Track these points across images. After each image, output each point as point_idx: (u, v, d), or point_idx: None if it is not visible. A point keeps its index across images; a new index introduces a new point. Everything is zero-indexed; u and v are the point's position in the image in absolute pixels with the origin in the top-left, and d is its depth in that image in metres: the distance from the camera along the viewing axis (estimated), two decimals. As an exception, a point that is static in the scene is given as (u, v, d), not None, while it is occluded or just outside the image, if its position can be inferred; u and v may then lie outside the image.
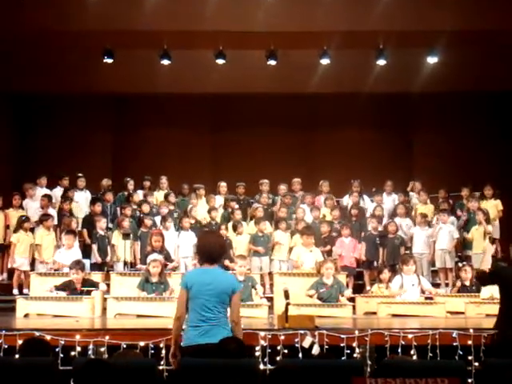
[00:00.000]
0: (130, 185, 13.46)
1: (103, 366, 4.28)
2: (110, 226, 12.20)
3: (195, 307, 5.58)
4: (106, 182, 13.55)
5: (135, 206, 12.49)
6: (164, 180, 13.53)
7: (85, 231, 11.77)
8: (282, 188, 13.45)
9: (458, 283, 10.10)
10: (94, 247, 11.26)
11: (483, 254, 10.94)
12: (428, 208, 12.72)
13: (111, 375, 4.19)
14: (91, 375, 4.14)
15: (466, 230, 12.06)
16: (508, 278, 6.13)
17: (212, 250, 5.75)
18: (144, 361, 5.93)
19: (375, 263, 11.68)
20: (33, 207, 12.26)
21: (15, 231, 11.27)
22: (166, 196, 12.96)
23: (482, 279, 7.12)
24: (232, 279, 5.94)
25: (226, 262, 10.50)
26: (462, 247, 12.11)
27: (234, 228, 11.90)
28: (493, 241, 11.52)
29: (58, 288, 9.08)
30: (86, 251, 11.29)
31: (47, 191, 12.76)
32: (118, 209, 12.71)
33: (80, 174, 13.32)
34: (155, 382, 5.06)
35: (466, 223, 12.23)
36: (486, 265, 8.38)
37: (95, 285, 9.32)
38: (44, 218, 11.40)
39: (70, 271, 9.29)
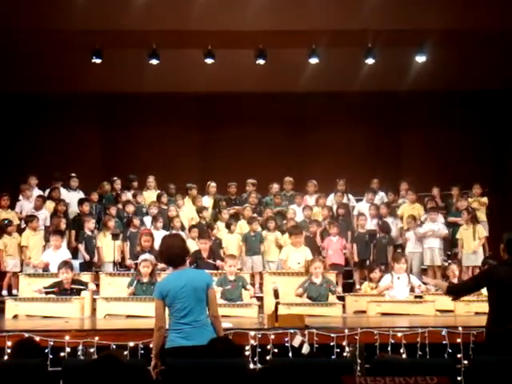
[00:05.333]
0: (117, 184, 13.31)
1: (116, 362, 4.24)
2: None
3: (174, 312, 5.55)
4: (106, 185, 13.31)
5: (121, 207, 12.42)
6: (151, 179, 13.34)
7: (73, 233, 11.67)
8: (275, 187, 13.46)
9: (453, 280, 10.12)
10: (81, 247, 11.20)
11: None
12: (415, 208, 12.58)
13: (125, 372, 4.15)
14: (105, 371, 4.10)
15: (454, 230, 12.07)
16: (499, 276, 6.11)
17: (172, 253, 5.70)
18: (134, 361, 5.94)
19: (367, 262, 11.67)
20: (28, 208, 12.05)
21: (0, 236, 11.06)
22: (159, 196, 12.78)
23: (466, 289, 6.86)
24: (204, 275, 5.91)
25: (218, 262, 10.45)
26: (451, 245, 12.13)
27: (228, 226, 11.91)
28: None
29: (47, 289, 9.03)
30: (75, 252, 11.23)
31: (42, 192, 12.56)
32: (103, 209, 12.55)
33: (73, 174, 13.15)
34: (145, 382, 5.04)
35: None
36: None
37: (84, 285, 9.26)
38: (29, 219, 11.26)
39: (59, 271, 9.21)
